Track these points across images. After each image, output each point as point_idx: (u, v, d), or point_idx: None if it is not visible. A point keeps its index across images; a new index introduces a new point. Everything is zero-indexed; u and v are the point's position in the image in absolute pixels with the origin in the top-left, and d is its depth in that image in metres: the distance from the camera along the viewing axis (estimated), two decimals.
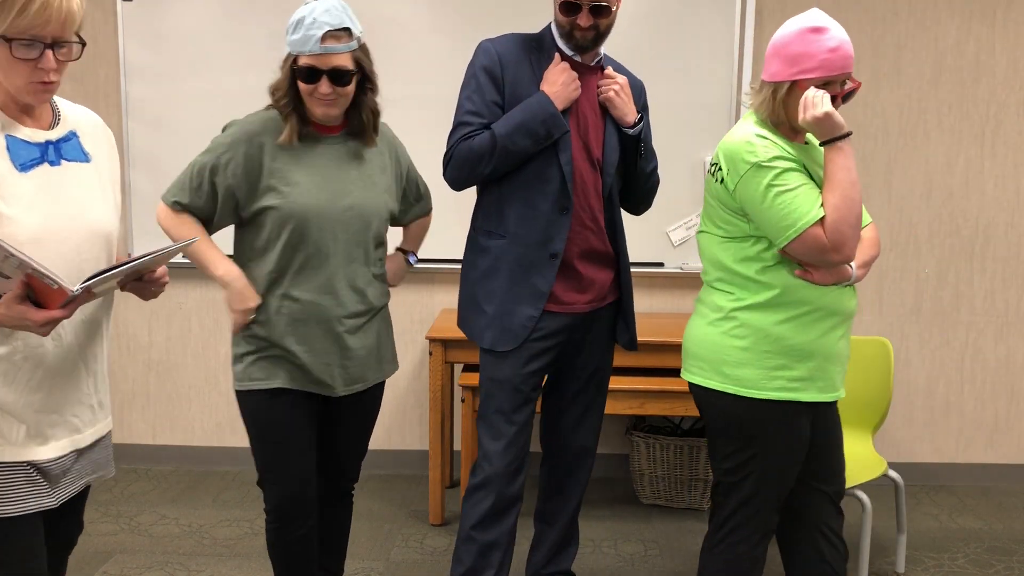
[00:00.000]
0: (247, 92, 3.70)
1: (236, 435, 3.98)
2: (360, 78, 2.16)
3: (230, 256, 2.23)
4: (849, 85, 2.03)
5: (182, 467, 3.98)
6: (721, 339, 2.08)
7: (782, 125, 2.08)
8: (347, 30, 2.08)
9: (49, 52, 1.60)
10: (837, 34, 1.99)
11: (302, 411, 2.22)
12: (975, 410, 3.87)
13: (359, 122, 2.21)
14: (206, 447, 3.98)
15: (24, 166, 1.63)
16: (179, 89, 3.73)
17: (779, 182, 1.98)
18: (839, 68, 1.98)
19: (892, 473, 2.92)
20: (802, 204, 1.96)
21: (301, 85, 2.10)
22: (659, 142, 3.70)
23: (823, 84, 2.00)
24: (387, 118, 3.93)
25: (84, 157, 1.75)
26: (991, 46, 3.68)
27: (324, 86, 2.08)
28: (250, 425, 2.23)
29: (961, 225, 3.78)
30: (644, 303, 3.85)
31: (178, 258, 3.81)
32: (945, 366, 3.85)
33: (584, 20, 2.29)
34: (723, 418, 2.12)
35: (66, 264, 1.66)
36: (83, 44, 1.66)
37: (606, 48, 3.62)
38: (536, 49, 2.40)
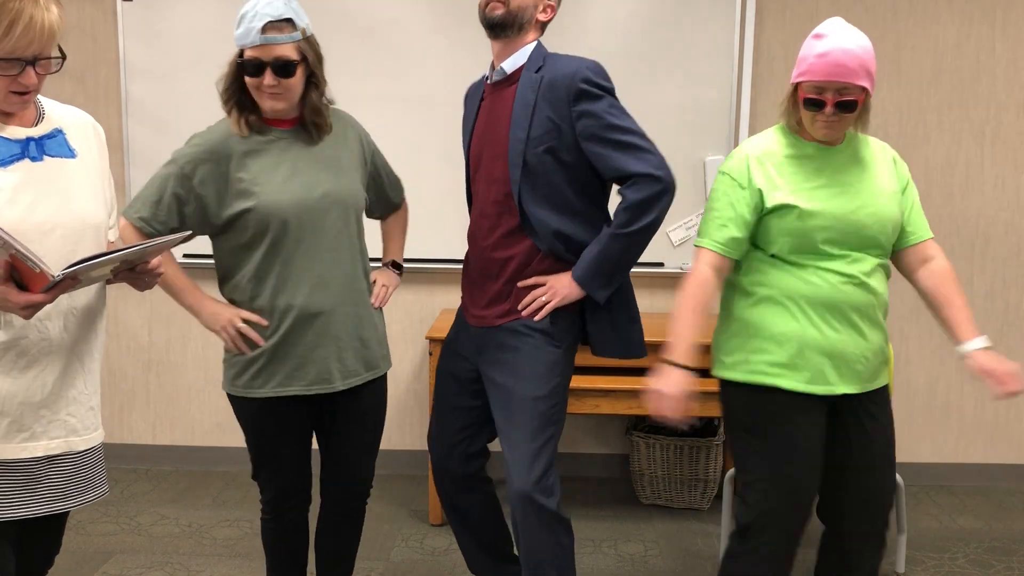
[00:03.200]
0: None
1: (236, 435, 3.98)
2: (307, 72, 2.15)
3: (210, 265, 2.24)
4: (849, 96, 2.00)
5: (182, 467, 3.98)
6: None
7: (801, 129, 2.14)
8: (289, 21, 2.08)
9: (30, 68, 1.60)
10: (833, 41, 1.98)
11: (296, 413, 2.26)
12: (975, 410, 3.87)
13: (301, 119, 2.21)
14: (206, 447, 3.98)
15: (3, 162, 1.63)
16: (179, 89, 3.73)
17: (714, 190, 2.16)
18: (823, 74, 1.98)
19: None
20: (706, 224, 2.15)
21: (248, 80, 2.10)
22: (659, 142, 3.70)
23: (816, 90, 2.01)
24: (386, 117, 3.93)
25: (70, 153, 1.75)
26: (991, 46, 3.68)
27: (268, 77, 2.08)
28: (245, 427, 2.27)
29: (961, 225, 3.78)
30: (644, 303, 3.85)
31: (178, 259, 3.81)
32: (945, 366, 3.85)
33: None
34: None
35: (52, 256, 1.65)
36: (63, 57, 1.66)
37: (604, 45, 3.64)
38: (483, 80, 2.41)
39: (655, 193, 2.15)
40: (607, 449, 3.94)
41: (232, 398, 2.25)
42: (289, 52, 2.08)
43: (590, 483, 3.84)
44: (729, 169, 2.14)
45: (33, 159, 1.68)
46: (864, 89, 2.01)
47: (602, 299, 2.24)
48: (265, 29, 2.06)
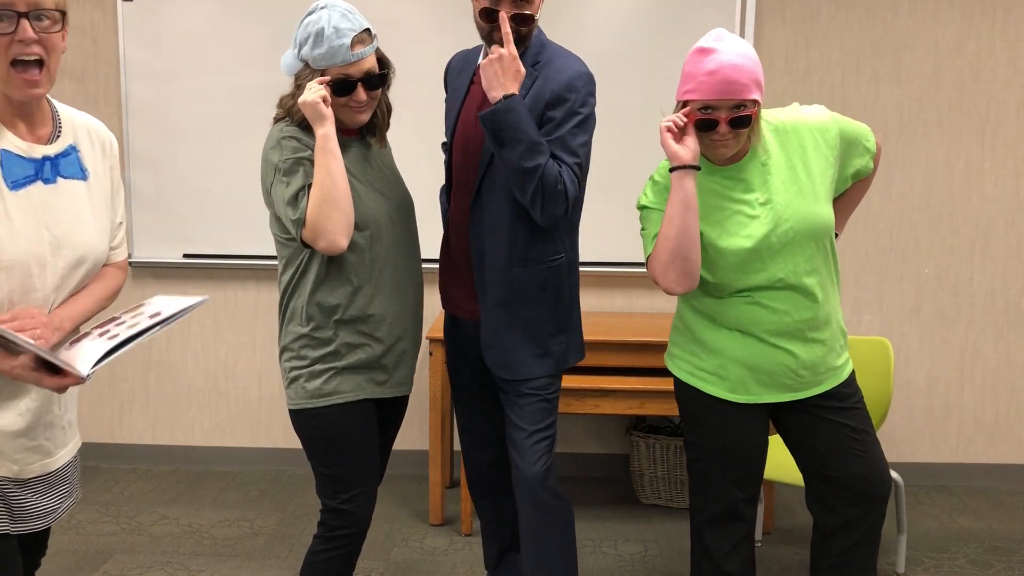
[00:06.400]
0: (247, 92, 3.70)
1: (236, 435, 3.98)
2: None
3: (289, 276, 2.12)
4: (745, 111, 1.90)
5: (182, 467, 3.98)
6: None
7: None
8: (368, 30, 2.02)
9: (25, 22, 1.47)
10: (723, 57, 1.87)
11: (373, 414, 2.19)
12: (975, 410, 3.87)
13: (373, 119, 2.14)
14: (206, 447, 3.98)
15: (16, 184, 1.55)
16: (179, 89, 3.73)
17: (643, 223, 2.14)
18: (715, 93, 1.87)
19: (892, 473, 2.91)
20: (647, 244, 2.10)
21: (335, 99, 2.00)
22: (657, 144, 3.70)
23: (705, 108, 1.91)
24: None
25: (81, 174, 1.67)
26: (991, 46, 3.68)
27: (361, 94, 2.01)
28: (337, 437, 2.11)
29: (961, 225, 3.78)
30: (644, 303, 3.85)
31: (178, 259, 3.81)
32: (945, 366, 3.85)
33: (504, 26, 2.15)
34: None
35: (46, 288, 1.60)
36: (63, 14, 1.53)
37: (604, 45, 3.64)
38: (479, 56, 2.34)
39: (560, 194, 2.10)
40: (607, 449, 3.94)
41: (314, 410, 2.08)
42: (375, 64, 2.03)
43: (590, 483, 3.84)
44: (643, 205, 2.13)
45: (46, 181, 1.60)
46: (756, 101, 1.92)
47: (483, 114, 2.09)
48: (353, 45, 1.97)
